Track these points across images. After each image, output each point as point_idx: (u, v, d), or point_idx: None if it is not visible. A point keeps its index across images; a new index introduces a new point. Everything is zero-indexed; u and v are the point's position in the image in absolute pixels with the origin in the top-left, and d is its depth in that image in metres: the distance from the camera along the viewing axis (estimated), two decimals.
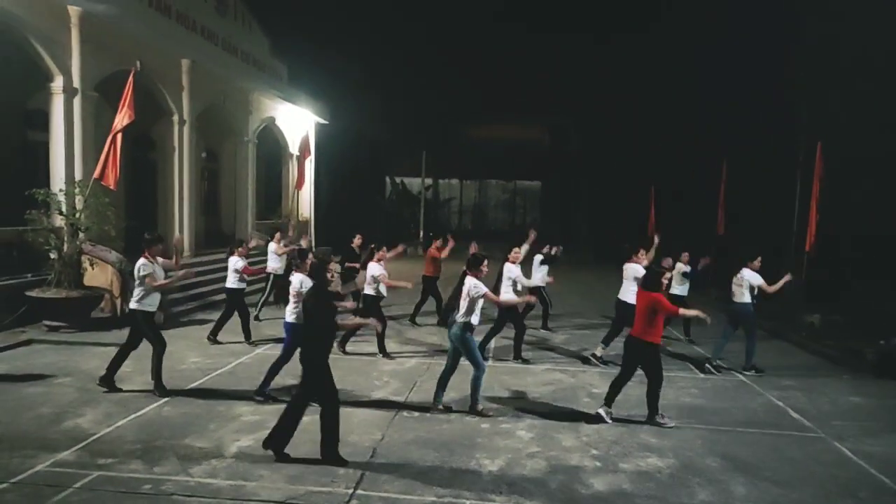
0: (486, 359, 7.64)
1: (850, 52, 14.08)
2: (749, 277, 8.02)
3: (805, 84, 13.86)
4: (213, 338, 8.90)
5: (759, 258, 8.14)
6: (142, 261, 6.48)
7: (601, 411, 6.12)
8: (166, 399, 6.37)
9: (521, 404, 6.57)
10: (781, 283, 8.12)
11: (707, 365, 8.19)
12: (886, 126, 13.01)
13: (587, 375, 7.82)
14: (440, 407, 6.24)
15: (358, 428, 5.69)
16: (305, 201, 20.99)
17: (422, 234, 23.74)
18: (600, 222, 25.80)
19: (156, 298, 6.61)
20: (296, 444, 5.32)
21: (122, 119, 9.28)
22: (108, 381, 6.56)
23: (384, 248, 8.66)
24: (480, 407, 6.19)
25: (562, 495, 4.55)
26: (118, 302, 10.27)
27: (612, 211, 25.89)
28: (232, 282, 8.90)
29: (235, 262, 8.87)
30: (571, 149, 30.42)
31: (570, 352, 9.10)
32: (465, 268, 6.54)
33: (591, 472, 4.96)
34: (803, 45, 13.93)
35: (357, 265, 10.01)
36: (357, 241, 11.01)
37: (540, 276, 9.94)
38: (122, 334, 9.33)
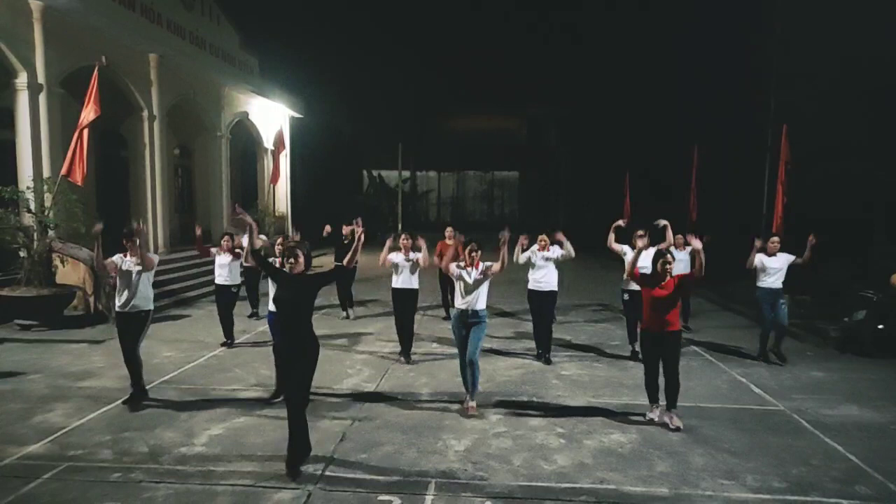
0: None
1: (815, 44, 14.41)
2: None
3: (773, 71, 14.19)
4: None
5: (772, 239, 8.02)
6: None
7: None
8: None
9: (491, 387, 6.68)
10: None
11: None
12: (848, 114, 13.37)
13: (557, 360, 7.95)
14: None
15: (329, 414, 5.77)
16: (282, 196, 20.90)
17: (400, 226, 23.76)
18: (577, 211, 26.10)
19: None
20: (266, 431, 5.40)
21: (87, 114, 9.19)
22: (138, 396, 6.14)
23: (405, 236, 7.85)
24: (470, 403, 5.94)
25: (525, 471, 4.67)
26: (91, 300, 10.22)
27: (588, 199, 26.18)
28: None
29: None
30: (548, 139, 30.61)
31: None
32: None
33: (555, 448, 5.09)
34: (771, 34, 14.25)
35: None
36: (346, 230, 10.33)
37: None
38: (94, 332, 9.32)
